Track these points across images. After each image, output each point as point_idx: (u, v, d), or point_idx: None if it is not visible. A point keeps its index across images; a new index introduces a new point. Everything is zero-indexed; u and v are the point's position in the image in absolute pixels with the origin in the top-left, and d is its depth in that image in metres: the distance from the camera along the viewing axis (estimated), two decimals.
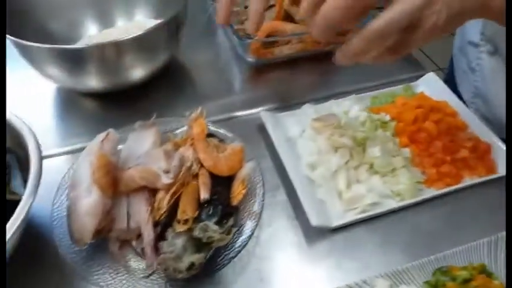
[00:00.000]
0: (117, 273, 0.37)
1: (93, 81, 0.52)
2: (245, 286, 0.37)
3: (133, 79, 0.53)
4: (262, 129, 0.50)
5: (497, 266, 0.37)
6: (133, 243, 0.40)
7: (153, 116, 0.45)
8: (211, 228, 0.35)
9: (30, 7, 0.55)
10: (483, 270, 0.36)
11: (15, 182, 0.41)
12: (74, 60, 0.49)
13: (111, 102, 0.56)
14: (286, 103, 0.54)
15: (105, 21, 0.60)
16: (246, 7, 0.61)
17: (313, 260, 0.39)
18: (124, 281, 0.36)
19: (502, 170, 0.44)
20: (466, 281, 0.35)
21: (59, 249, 0.38)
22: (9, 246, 0.33)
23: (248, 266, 0.39)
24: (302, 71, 0.60)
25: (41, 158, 0.37)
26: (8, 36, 0.47)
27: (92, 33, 0.59)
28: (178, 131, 0.48)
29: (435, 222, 0.42)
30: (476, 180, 0.44)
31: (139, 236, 0.40)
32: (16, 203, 0.39)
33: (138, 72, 0.53)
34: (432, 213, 0.42)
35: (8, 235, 0.32)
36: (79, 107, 0.57)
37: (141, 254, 0.39)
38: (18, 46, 0.49)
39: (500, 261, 0.37)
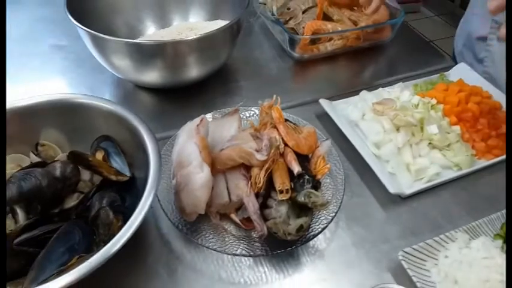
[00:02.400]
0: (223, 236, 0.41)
1: (156, 76, 0.56)
2: (338, 249, 0.42)
3: (194, 76, 0.57)
4: (320, 116, 0.55)
5: None
6: (232, 216, 0.44)
7: (240, 103, 0.49)
8: (314, 194, 0.40)
9: (97, 7, 0.58)
10: None
11: (116, 165, 0.44)
12: (144, 54, 0.52)
13: (168, 97, 0.59)
14: (335, 93, 0.59)
15: (162, 22, 0.64)
16: (288, 8, 0.67)
17: (392, 223, 0.44)
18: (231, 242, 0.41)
19: None
20: None
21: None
22: (135, 228, 0.36)
23: (337, 228, 0.43)
24: (342, 65, 0.66)
25: (157, 141, 0.41)
26: (83, 27, 0.51)
27: (149, 33, 0.63)
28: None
29: (490, 187, 0.48)
30: None
31: (237, 209, 0.44)
32: (126, 182, 0.43)
33: (200, 70, 0.57)
34: (486, 180, 0.49)
35: (143, 212, 0.35)
36: (136, 101, 0.60)
37: (241, 225, 0.43)
38: (94, 39, 0.52)
39: None
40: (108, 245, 0.33)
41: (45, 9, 0.76)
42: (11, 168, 0.43)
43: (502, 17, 0.46)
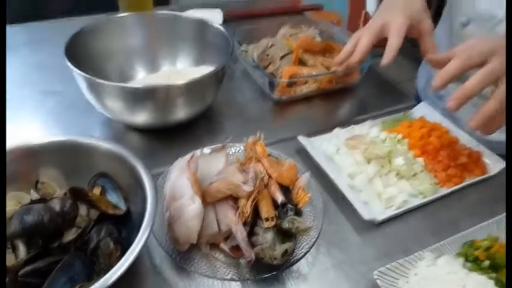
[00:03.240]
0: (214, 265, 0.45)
1: (147, 117, 0.60)
2: (319, 272, 0.46)
3: (182, 117, 0.62)
4: (299, 151, 0.60)
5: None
6: (222, 245, 0.47)
7: (227, 140, 0.54)
8: (297, 221, 0.44)
9: (92, 54, 0.63)
10: (497, 239, 0.47)
11: (113, 199, 0.47)
12: (137, 98, 0.57)
13: (157, 137, 0.63)
14: (312, 130, 0.65)
15: (152, 67, 0.69)
16: (267, 55, 0.73)
17: (367, 246, 0.49)
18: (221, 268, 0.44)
19: (492, 171, 0.58)
20: (488, 248, 0.46)
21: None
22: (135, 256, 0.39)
23: (318, 253, 0.48)
24: (317, 105, 0.72)
25: (153, 178, 0.44)
26: (80, 72, 0.55)
27: (140, 77, 0.68)
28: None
29: (451, 212, 0.53)
30: (475, 179, 0.57)
31: (226, 238, 0.47)
32: (122, 216, 0.46)
33: (187, 111, 0.61)
34: (448, 206, 0.54)
35: (142, 242, 0.39)
36: (126, 140, 0.64)
37: (230, 253, 0.46)
38: (90, 83, 0.56)
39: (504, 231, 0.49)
40: (109, 273, 0.36)
41: (38, 56, 0.80)
42: (12, 205, 0.46)
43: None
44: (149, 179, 0.44)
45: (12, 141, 0.47)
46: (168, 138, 0.63)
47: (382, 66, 0.58)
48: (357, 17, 2.40)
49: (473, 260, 0.46)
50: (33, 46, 0.85)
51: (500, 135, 0.68)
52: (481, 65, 0.47)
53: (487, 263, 0.45)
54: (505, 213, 0.51)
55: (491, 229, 0.49)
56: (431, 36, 0.61)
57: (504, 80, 0.46)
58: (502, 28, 0.62)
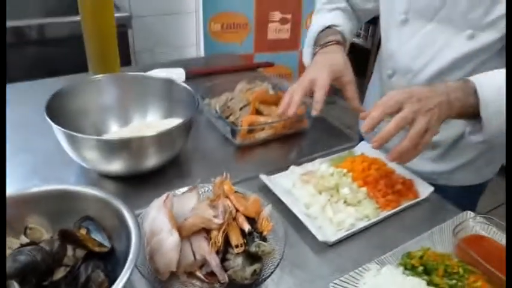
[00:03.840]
0: None
1: (121, 166, 0.67)
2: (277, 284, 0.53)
3: (153, 165, 0.69)
4: (261, 188, 0.69)
5: (435, 246, 0.58)
6: (197, 273, 0.53)
7: (197, 181, 0.61)
8: (262, 245, 0.52)
9: (69, 110, 0.70)
10: (428, 249, 0.57)
11: (97, 238, 0.53)
12: (112, 149, 0.64)
13: (130, 183, 0.69)
14: (271, 169, 0.73)
15: (124, 121, 0.77)
16: (228, 107, 0.83)
17: (324, 264, 0.57)
18: None
19: (423, 195, 0.69)
20: (421, 257, 0.55)
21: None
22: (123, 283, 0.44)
23: (283, 273, 0.55)
24: (274, 148, 0.82)
25: (136, 218, 0.50)
26: (60, 128, 0.62)
27: (113, 130, 0.75)
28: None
29: (391, 230, 0.63)
30: (409, 202, 0.67)
31: (201, 266, 0.53)
32: (106, 253, 0.51)
33: (158, 159, 0.68)
34: (388, 225, 0.64)
35: (125, 277, 0.44)
36: (101, 187, 0.68)
37: (205, 279, 0.52)
38: (68, 136, 0.62)
39: (435, 243, 0.59)
40: None
41: (13, 116, 0.86)
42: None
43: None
44: (133, 218, 0.50)
45: (25, 181, 0.52)
46: (141, 183, 0.70)
47: (314, 115, 0.71)
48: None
49: (410, 267, 0.55)
50: (12, 107, 0.90)
51: (425, 166, 0.81)
52: (397, 112, 0.59)
53: (421, 268, 0.54)
54: (434, 228, 0.61)
55: (423, 242, 0.59)
56: (352, 85, 0.74)
57: (415, 124, 0.59)
58: (419, 79, 0.76)
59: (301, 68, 2.61)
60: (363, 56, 2.92)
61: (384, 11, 0.83)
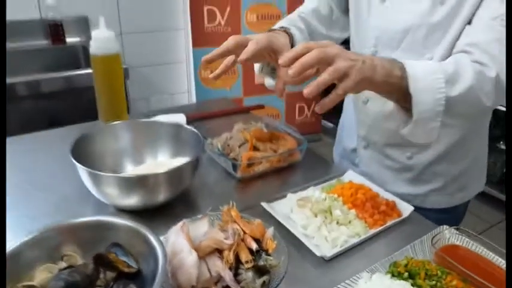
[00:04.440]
0: None
1: (136, 200, 0.75)
2: None
3: (164, 199, 0.77)
4: (263, 214, 0.77)
5: (417, 255, 0.67)
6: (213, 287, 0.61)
7: (208, 209, 0.70)
8: (269, 259, 0.60)
9: (89, 154, 0.79)
10: (411, 258, 0.66)
11: (125, 259, 0.60)
12: (129, 185, 0.73)
13: (144, 216, 0.77)
14: (271, 198, 0.82)
15: (137, 161, 0.86)
16: (228, 145, 0.94)
17: (322, 276, 0.65)
18: None
19: (405, 214, 0.78)
20: (406, 265, 0.64)
21: None
22: None
23: (288, 286, 0.63)
24: (270, 179, 0.92)
25: (164, 247, 0.58)
26: (84, 167, 0.71)
27: (129, 169, 0.84)
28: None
29: (379, 244, 0.72)
30: (393, 221, 0.77)
31: (217, 282, 0.61)
32: (134, 274, 0.59)
33: (169, 194, 0.77)
34: (376, 241, 0.73)
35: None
36: None
37: None
38: (90, 175, 0.71)
39: (417, 253, 0.68)
40: None
41: (34, 163, 0.94)
42: (45, 274, 0.57)
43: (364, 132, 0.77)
44: (159, 243, 0.58)
45: (43, 225, 0.60)
46: (153, 215, 0.78)
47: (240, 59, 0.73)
48: (291, 110, 2.77)
49: (397, 274, 0.63)
50: (28, 155, 0.99)
51: (402, 188, 0.91)
52: (328, 65, 0.62)
53: (406, 274, 0.62)
54: (415, 241, 0.71)
55: (407, 252, 0.68)
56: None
57: (335, 64, 0.61)
58: (391, 103, 0.85)
59: (288, 108, 2.77)
60: None
61: (355, 44, 0.96)
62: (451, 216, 1.00)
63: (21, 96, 1.57)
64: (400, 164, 0.95)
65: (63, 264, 0.59)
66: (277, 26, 0.92)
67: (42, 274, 0.57)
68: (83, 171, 0.72)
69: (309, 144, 0.99)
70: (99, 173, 0.71)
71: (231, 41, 0.75)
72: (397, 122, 0.76)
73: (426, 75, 0.67)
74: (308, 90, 0.62)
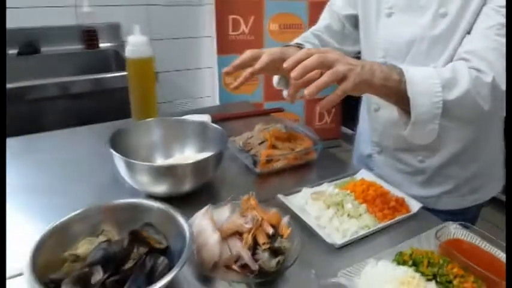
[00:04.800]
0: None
1: (165, 188, 0.82)
2: (297, 275, 0.67)
3: (190, 188, 0.85)
4: (279, 205, 0.84)
5: (422, 247, 0.72)
6: (233, 266, 0.67)
7: (229, 198, 0.77)
8: (284, 241, 0.67)
9: (124, 148, 0.86)
10: (416, 249, 0.71)
11: (156, 236, 0.67)
12: (160, 174, 0.80)
13: (171, 202, 0.83)
14: (287, 191, 0.89)
15: (166, 155, 0.94)
16: (249, 143, 1.01)
17: (333, 262, 0.71)
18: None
19: (413, 210, 0.83)
20: (410, 254, 0.69)
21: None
22: (181, 267, 0.59)
23: (294, 268, 0.69)
24: (289, 175, 0.98)
25: (190, 227, 0.66)
26: (121, 156, 0.79)
27: (159, 162, 0.92)
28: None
29: (387, 237, 0.77)
30: (401, 216, 0.82)
31: (236, 261, 0.68)
32: (163, 249, 0.66)
33: (194, 183, 0.85)
34: (384, 233, 0.78)
35: (182, 262, 0.59)
36: None
37: (239, 270, 0.67)
38: (126, 163, 0.79)
39: (422, 245, 0.73)
40: (167, 276, 0.56)
41: (72, 155, 1.04)
42: (86, 245, 0.65)
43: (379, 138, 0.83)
44: (187, 223, 0.66)
45: (87, 204, 0.68)
46: (180, 203, 0.83)
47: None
48: (311, 116, 2.83)
49: (402, 262, 0.69)
50: (67, 148, 1.09)
51: (414, 190, 0.96)
52: (328, 68, 0.67)
53: (410, 262, 0.68)
54: (421, 234, 0.76)
55: (412, 244, 0.73)
56: None
57: (334, 67, 0.66)
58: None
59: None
60: None
61: (366, 56, 1.02)
62: (463, 218, 1.04)
63: (56, 96, 1.68)
64: (413, 168, 1.01)
65: (102, 238, 0.67)
66: (292, 43, 1.00)
67: (84, 245, 0.66)
68: (119, 161, 0.81)
69: (328, 149, 1.05)
70: (134, 161, 0.79)
71: (247, 53, 0.84)
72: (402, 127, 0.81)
73: (424, 80, 0.72)
74: (308, 90, 0.67)
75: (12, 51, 1.91)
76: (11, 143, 1.08)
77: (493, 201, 1.06)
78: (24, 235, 0.68)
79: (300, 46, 0.96)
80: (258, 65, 0.81)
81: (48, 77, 1.68)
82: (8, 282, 0.65)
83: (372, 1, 0.96)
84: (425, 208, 0.85)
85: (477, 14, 0.80)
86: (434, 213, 0.86)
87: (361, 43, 1.04)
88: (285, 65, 0.69)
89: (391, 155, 1.03)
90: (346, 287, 0.61)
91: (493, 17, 0.78)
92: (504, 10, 0.77)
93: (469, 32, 0.82)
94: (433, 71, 0.76)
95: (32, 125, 1.25)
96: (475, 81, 0.75)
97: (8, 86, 1.53)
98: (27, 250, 0.59)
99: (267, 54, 0.82)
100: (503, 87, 0.76)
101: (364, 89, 0.72)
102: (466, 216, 1.05)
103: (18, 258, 0.59)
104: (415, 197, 0.88)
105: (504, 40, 0.76)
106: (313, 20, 2.71)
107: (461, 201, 1.00)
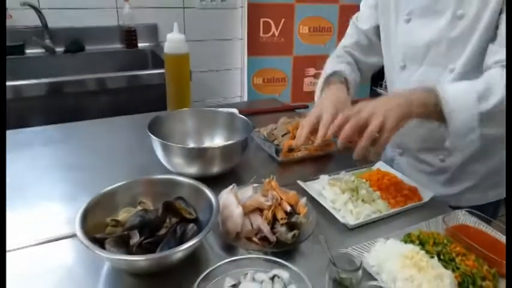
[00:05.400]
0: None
1: (197, 169, 0.91)
2: (311, 249, 0.74)
3: (220, 170, 0.94)
4: (298, 191, 0.91)
5: (430, 230, 0.77)
6: (254, 238, 0.75)
7: (252, 179, 0.85)
8: (300, 217, 0.74)
9: (161, 134, 0.96)
10: (423, 231, 0.76)
11: (187, 208, 0.76)
12: (193, 155, 0.89)
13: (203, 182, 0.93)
14: (306, 178, 0.96)
15: (198, 142, 1.04)
16: (273, 134, 1.08)
17: (345, 239, 0.77)
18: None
19: (425, 199, 0.88)
20: (418, 236, 0.75)
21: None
22: (207, 232, 0.67)
23: (308, 243, 0.75)
24: (308, 164, 1.05)
25: (218, 200, 0.74)
26: (158, 139, 0.88)
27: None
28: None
29: (396, 222, 0.83)
30: (413, 204, 0.87)
31: (256, 234, 0.75)
32: (193, 219, 0.75)
33: (224, 166, 0.93)
34: (395, 219, 0.84)
35: (208, 229, 0.68)
36: None
37: (259, 242, 0.74)
38: (163, 146, 0.89)
39: (430, 229, 0.78)
40: (194, 239, 0.65)
41: (120, 142, 1.15)
42: (125, 213, 0.74)
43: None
44: (215, 197, 0.74)
45: (129, 178, 0.78)
46: (209, 184, 0.92)
47: (316, 143, 0.87)
48: None
49: (410, 242, 0.74)
50: (109, 135, 1.20)
51: (437, 189, 0.99)
52: (365, 126, 0.76)
53: (417, 242, 0.73)
54: (430, 219, 0.81)
55: (421, 227, 0.78)
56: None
57: (370, 124, 0.75)
58: None
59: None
60: None
61: (387, 62, 1.08)
62: (485, 214, 1.07)
63: (96, 90, 1.80)
64: (434, 167, 1.05)
65: (139, 208, 0.76)
66: (329, 69, 1.06)
67: (124, 213, 0.75)
68: (156, 143, 0.90)
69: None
70: (169, 143, 0.89)
71: (303, 131, 0.89)
72: (427, 128, 0.86)
73: (459, 95, 0.78)
74: (356, 157, 0.78)
75: (59, 49, 2.07)
76: (51, 131, 1.20)
77: None
78: (74, 203, 0.78)
79: (341, 81, 1.03)
80: (298, 141, 0.90)
81: (91, 73, 1.82)
82: (62, 241, 0.76)
83: (391, 10, 1.02)
84: (450, 206, 0.89)
85: (495, 17, 0.84)
86: None
87: (383, 51, 1.10)
88: (328, 132, 0.82)
89: (413, 156, 1.08)
90: (355, 257, 0.66)
91: None
92: None
93: (492, 41, 0.85)
94: (468, 85, 0.80)
95: (75, 116, 1.37)
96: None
97: (53, 80, 1.67)
98: (78, 214, 0.69)
99: (305, 128, 0.89)
100: None
101: (406, 121, 0.78)
102: (487, 213, 1.08)
103: (70, 221, 0.69)
104: (438, 197, 0.91)
105: None
106: (343, 23, 2.77)
107: (483, 196, 1.03)
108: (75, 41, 2.08)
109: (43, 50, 2.01)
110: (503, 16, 0.83)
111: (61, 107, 1.68)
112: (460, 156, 1.00)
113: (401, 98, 0.79)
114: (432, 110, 0.79)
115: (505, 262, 0.67)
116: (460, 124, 0.78)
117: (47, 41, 2.00)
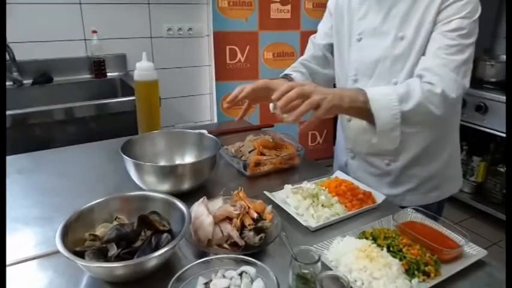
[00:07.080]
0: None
1: (168, 186, 0.97)
2: (277, 251, 0.81)
3: (190, 186, 1.00)
4: (265, 200, 0.99)
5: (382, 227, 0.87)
6: (224, 244, 0.82)
7: (221, 192, 0.92)
8: (265, 222, 0.81)
9: (134, 154, 1.03)
10: (377, 229, 0.85)
11: (162, 221, 0.82)
12: (164, 173, 0.96)
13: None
14: (272, 190, 1.04)
15: (169, 161, 1.10)
16: (240, 151, 1.17)
17: (308, 241, 0.85)
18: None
19: (378, 201, 0.98)
20: (371, 233, 0.83)
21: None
22: (178, 241, 0.74)
23: (274, 246, 0.83)
24: (274, 177, 1.13)
25: (190, 215, 0.81)
26: (131, 159, 0.94)
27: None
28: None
29: (354, 222, 0.92)
30: (368, 206, 0.97)
31: (227, 240, 0.82)
32: (167, 231, 0.80)
33: (194, 182, 1.00)
34: (352, 220, 0.93)
35: (180, 238, 0.74)
36: None
37: (229, 247, 0.81)
38: (135, 165, 0.95)
39: (382, 226, 0.87)
40: (166, 246, 0.71)
41: (89, 162, 1.19)
42: (102, 229, 0.80)
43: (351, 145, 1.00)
44: (186, 209, 0.81)
45: (104, 198, 0.83)
46: (182, 199, 0.98)
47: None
48: (305, 137, 2.99)
49: (364, 238, 0.83)
50: (85, 159, 1.25)
51: (384, 190, 1.10)
52: (306, 98, 0.86)
53: (370, 238, 0.82)
54: (383, 218, 0.90)
55: (374, 225, 0.87)
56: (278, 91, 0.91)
57: (311, 97, 0.86)
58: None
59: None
60: None
61: (340, 76, 1.20)
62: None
63: (65, 120, 1.83)
64: (381, 170, 1.16)
65: (115, 223, 0.82)
66: (282, 74, 1.20)
67: (101, 228, 0.80)
68: (129, 163, 0.96)
69: (323, 168, 1.21)
70: (142, 163, 0.95)
71: (237, 89, 1.04)
72: (371, 135, 0.97)
73: (383, 97, 0.92)
74: (291, 117, 0.87)
75: (27, 81, 2.09)
76: (24, 159, 1.24)
77: (452, 199, 1.20)
78: (52, 224, 0.83)
79: (287, 77, 1.15)
80: (242, 94, 1.03)
81: (60, 103, 1.85)
82: (41, 260, 0.80)
83: (345, 30, 1.15)
84: (400, 207, 0.99)
85: (428, 38, 0.98)
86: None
87: (335, 65, 1.22)
88: (273, 96, 0.89)
89: (363, 159, 1.18)
90: (314, 252, 0.73)
91: (441, 40, 0.96)
92: (449, 34, 0.95)
93: (423, 54, 1.00)
94: (390, 89, 0.94)
95: (44, 145, 1.40)
96: (427, 93, 0.92)
97: (18, 112, 1.69)
98: (58, 230, 0.74)
99: (250, 85, 1.03)
100: (452, 95, 0.93)
101: (335, 112, 0.91)
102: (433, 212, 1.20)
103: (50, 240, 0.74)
104: (388, 197, 1.02)
105: (451, 57, 0.94)
106: (304, 48, 2.94)
107: (424, 197, 1.15)
108: (43, 73, 2.12)
109: (11, 83, 2.04)
110: (433, 34, 0.97)
111: (29, 138, 1.70)
112: (402, 160, 1.12)
113: (336, 91, 0.92)
114: (360, 107, 0.91)
115: (444, 249, 0.76)
116: (385, 121, 0.90)
117: (15, 74, 2.03)
